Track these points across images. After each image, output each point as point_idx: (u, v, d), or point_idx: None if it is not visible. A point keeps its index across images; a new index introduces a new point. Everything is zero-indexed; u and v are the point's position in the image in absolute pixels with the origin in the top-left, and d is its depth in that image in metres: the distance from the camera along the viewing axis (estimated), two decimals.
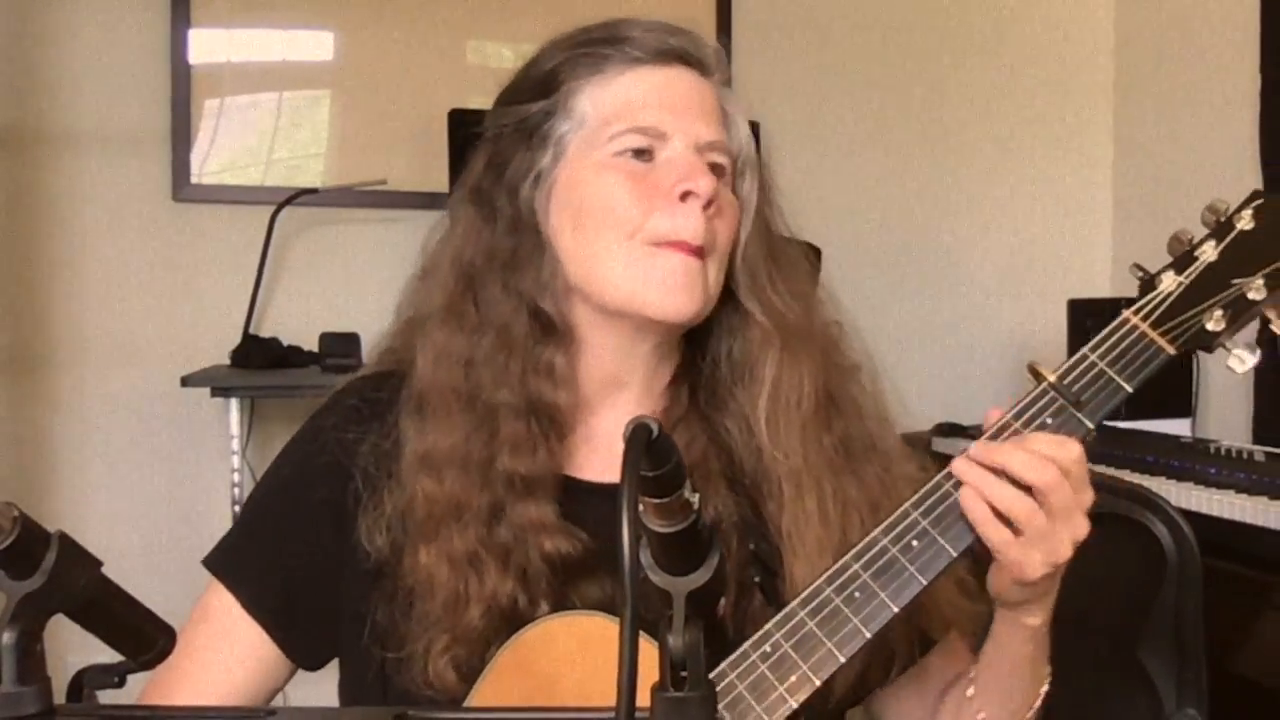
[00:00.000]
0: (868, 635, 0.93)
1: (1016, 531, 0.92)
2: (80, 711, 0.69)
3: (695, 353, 1.12)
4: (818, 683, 0.92)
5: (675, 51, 1.08)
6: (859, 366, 1.16)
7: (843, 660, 0.92)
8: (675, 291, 1.02)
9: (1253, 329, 1.02)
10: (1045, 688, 1.06)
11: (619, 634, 0.56)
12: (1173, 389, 2.83)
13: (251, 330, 3.11)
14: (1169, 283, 1.00)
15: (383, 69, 3.31)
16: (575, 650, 0.97)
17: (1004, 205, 3.71)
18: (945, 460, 0.98)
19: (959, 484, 0.95)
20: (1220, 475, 2.00)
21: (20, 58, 3.12)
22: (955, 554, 0.94)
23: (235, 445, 2.89)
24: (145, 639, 0.73)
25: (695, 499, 0.64)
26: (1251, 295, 0.99)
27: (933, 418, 3.01)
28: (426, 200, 3.03)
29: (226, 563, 1.11)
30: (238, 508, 2.80)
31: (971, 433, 1.09)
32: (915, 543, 0.94)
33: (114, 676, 0.72)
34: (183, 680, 1.07)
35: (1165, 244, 1.03)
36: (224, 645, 1.08)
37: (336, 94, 3.34)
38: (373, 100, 3.32)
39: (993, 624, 1.03)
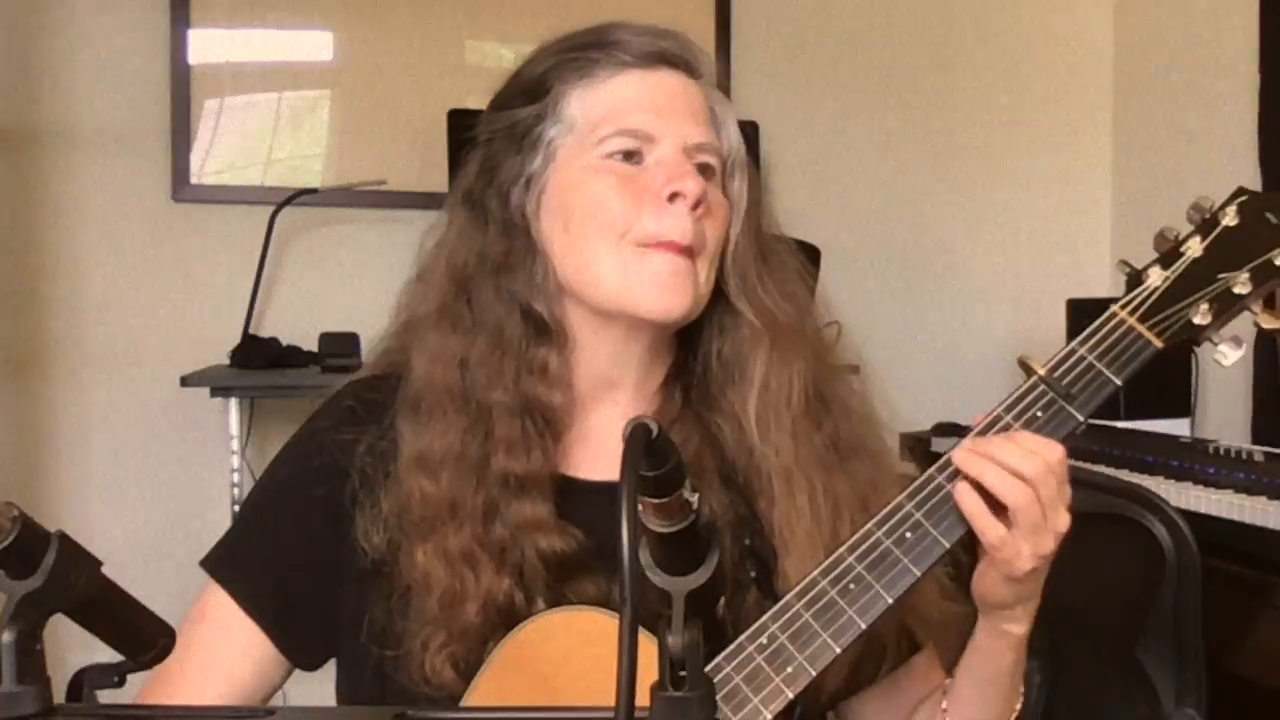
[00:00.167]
0: (863, 626, 0.94)
1: (1009, 524, 0.94)
2: (80, 711, 0.69)
3: (687, 353, 1.13)
4: (814, 673, 0.93)
5: (663, 54, 1.09)
6: (849, 368, 1.17)
7: (839, 651, 0.94)
8: (665, 291, 1.03)
9: (1238, 324, 1.03)
10: (1019, 706, 1.07)
11: (618, 631, 0.56)
12: (1172, 389, 2.83)
13: (251, 330, 3.11)
14: (1156, 278, 1.02)
15: (382, 69, 3.32)
16: (573, 645, 0.98)
17: (1003, 205, 3.72)
18: None
19: (952, 477, 0.96)
20: (1219, 475, 2.00)
21: (20, 58, 3.12)
22: (948, 545, 0.96)
23: (235, 445, 2.89)
24: (145, 638, 0.73)
25: (695, 499, 0.64)
26: (1237, 289, 1.01)
27: (932, 417, 3.01)
28: (426, 200, 3.03)
29: (224, 564, 1.11)
30: (237, 507, 2.80)
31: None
32: (909, 535, 0.96)
33: (114, 676, 0.72)
34: (181, 680, 1.07)
35: None
36: (222, 645, 1.09)
37: (336, 94, 3.34)
38: (372, 100, 3.33)
39: (974, 633, 1.04)
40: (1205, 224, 1.03)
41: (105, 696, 0.72)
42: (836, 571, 0.96)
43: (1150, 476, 2.08)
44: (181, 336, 3.16)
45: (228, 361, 3.00)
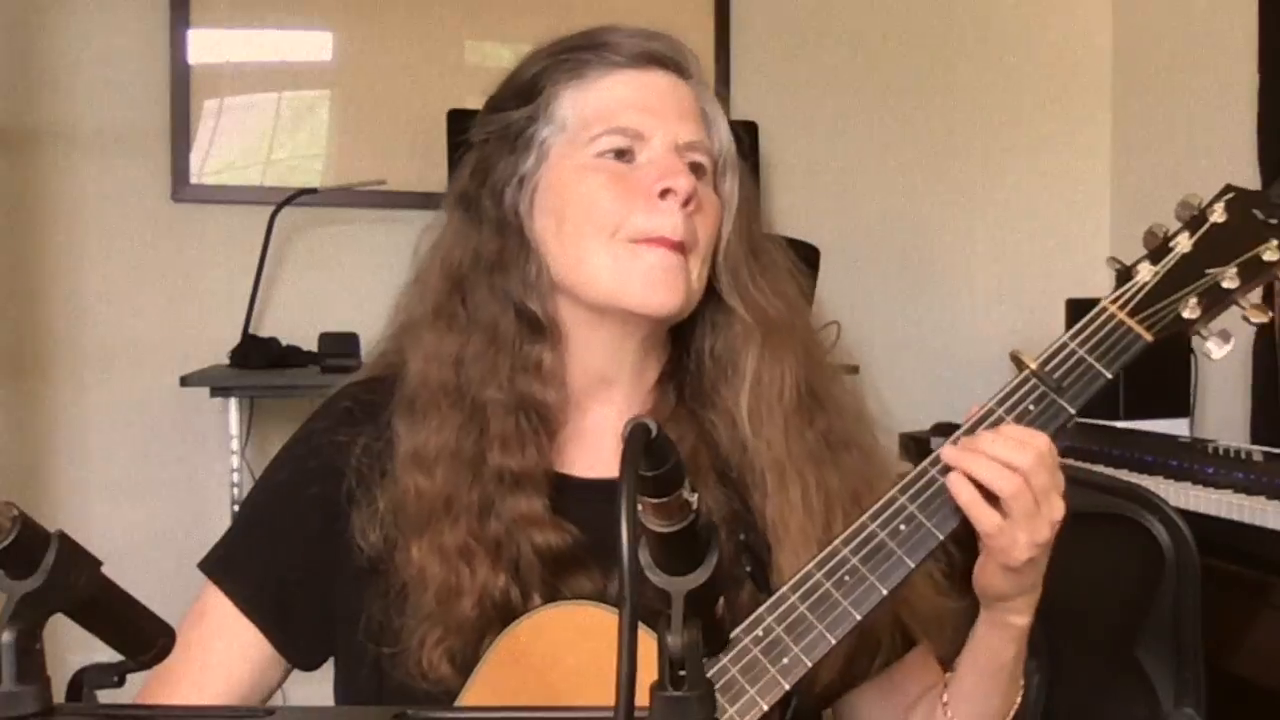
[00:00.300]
0: (858, 617, 0.95)
1: (1003, 513, 0.95)
2: (80, 711, 0.69)
3: (681, 351, 1.14)
4: (810, 664, 0.94)
5: (653, 55, 1.11)
6: (847, 367, 1.18)
7: (834, 642, 0.95)
8: (657, 286, 1.05)
9: (1226, 318, 1.04)
10: (1019, 699, 1.08)
11: (618, 632, 0.56)
12: (1171, 389, 2.83)
13: (251, 330, 3.11)
14: (1145, 273, 1.03)
15: (382, 69, 3.32)
16: (570, 640, 0.98)
17: (1003, 205, 3.72)
18: None
19: (945, 469, 0.97)
20: (1218, 475, 1.99)
21: (20, 58, 3.12)
22: (941, 537, 0.97)
23: (234, 445, 2.89)
24: (144, 638, 0.73)
25: (694, 499, 0.64)
26: (1225, 284, 1.02)
27: (931, 417, 3.01)
28: (426, 200, 3.01)
29: (221, 565, 1.12)
30: (237, 507, 2.80)
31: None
32: (903, 527, 0.97)
33: (113, 676, 0.72)
34: (180, 680, 1.07)
35: None
36: (220, 646, 1.09)
37: (335, 94, 3.34)
38: (372, 101, 3.33)
39: (975, 627, 1.05)
40: (1194, 221, 1.05)
41: (105, 696, 0.72)
42: (831, 564, 0.97)
43: (1149, 476, 2.08)
44: (181, 336, 3.16)
45: (227, 361, 3.00)
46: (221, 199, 3.25)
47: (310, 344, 3.03)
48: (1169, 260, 1.03)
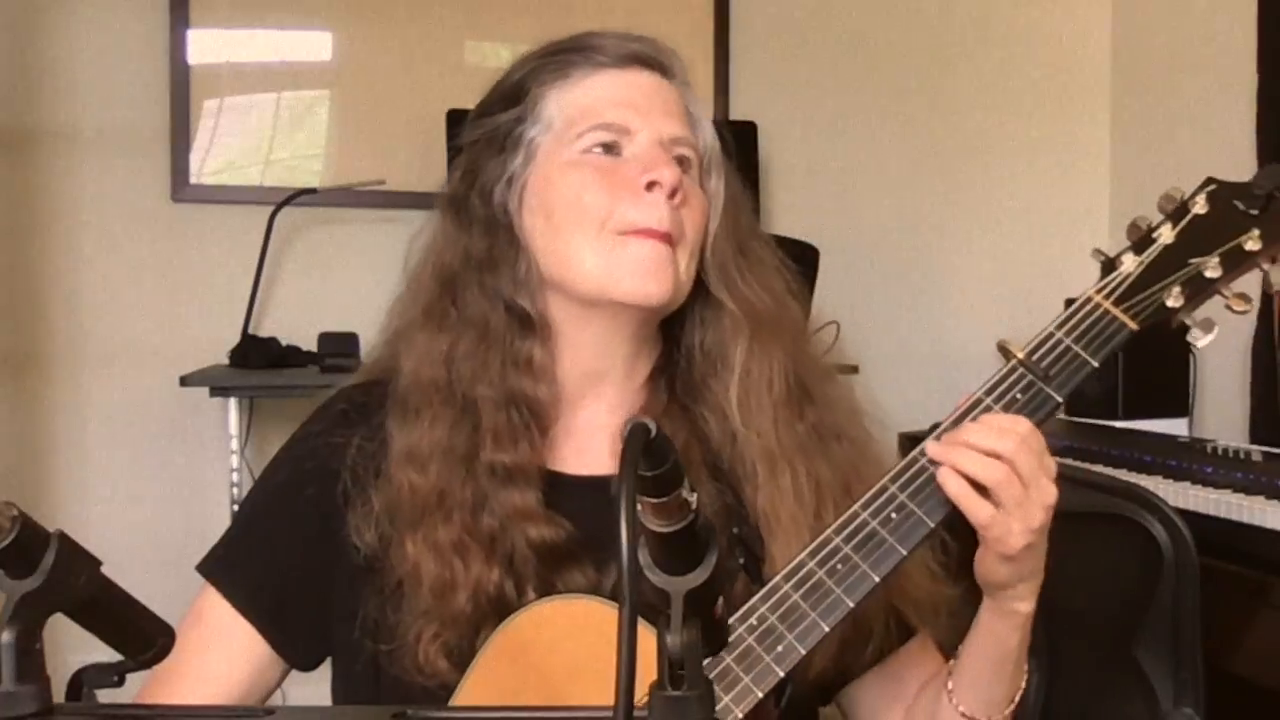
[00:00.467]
0: (851, 605, 0.96)
1: (995, 503, 0.95)
2: (79, 710, 0.69)
3: (672, 347, 1.15)
4: (803, 652, 0.95)
5: (637, 55, 1.13)
6: (847, 367, 1.18)
7: (827, 629, 0.95)
8: (645, 277, 1.06)
9: (1209, 307, 1.06)
10: (1023, 685, 1.08)
11: (617, 633, 0.56)
12: (1170, 389, 2.83)
13: (250, 330, 3.12)
14: (1129, 264, 1.05)
15: (381, 69, 3.32)
16: (567, 634, 0.99)
17: (1002, 206, 3.72)
18: None
19: (932, 464, 0.98)
20: (1217, 475, 2.00)
21: (19, 58, 3.13)
22: (932, 525, 0.98)
23: (234, 445, 2.90)
24: (144, 638, 0.73)
25: (694, 498, 0.64)
26: (1208, 274, 1.04)
27: (930, 417, 3.00)
28: (425, 200, 3.01)
29: (219, 567, 1.13)
30: (236, 507, 2.80)
31: None
32: (894, 515, 0.98)
33: (113, 676, 0.72)
34: (180, 680, 1.08)
35: None
36: (218, 646, 1.10)
37: (335, 94, 3.34)
38: (371, 101, 3.33)
39: (979, 615, 1.05)
40: (1176, 212, 1.06)
41: (105, 696, 0.72)
42: (824, 553, 0.97)
43: (1148, 476, 2.08)
44: (181, 336, 3.16)
45: (227, 361, 3.01)
46: (221, 199, 3.25)
47: (310, 344, 3.04)
48: (1152, 251, 1.05)
